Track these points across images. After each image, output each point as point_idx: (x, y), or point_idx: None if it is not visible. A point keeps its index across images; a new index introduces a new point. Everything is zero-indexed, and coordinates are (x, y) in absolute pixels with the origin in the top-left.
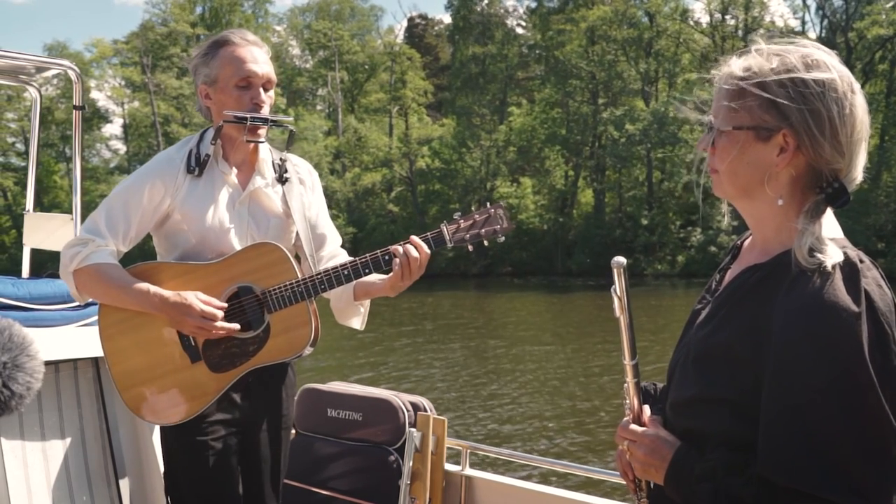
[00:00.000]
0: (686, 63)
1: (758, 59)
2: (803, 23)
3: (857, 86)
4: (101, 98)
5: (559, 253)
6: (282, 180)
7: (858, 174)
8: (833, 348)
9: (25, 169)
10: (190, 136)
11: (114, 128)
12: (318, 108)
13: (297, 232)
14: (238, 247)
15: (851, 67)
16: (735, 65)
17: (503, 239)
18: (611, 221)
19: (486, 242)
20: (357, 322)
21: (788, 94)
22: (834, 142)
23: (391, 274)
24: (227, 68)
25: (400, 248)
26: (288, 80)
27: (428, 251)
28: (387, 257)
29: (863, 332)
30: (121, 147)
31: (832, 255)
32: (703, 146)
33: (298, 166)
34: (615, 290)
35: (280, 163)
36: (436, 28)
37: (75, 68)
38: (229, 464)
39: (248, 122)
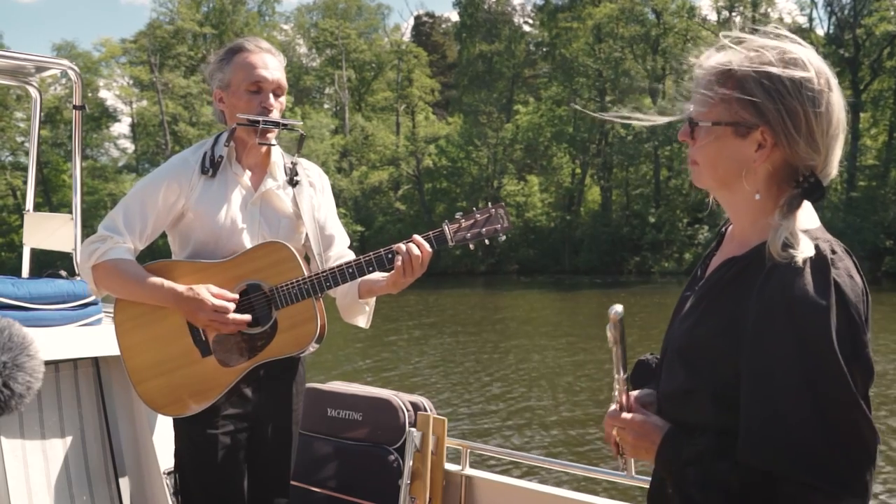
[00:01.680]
0: (693, 60)
1: (736, 54)
2: (811, 19)
3: (834, 82)
4: (109, 97)
5: (566, 251)
6: (292, 183)
7: (834, 169)
8: (804, 343)
9: (35, 168)
10: (205, 140)
11: (122, 127)
12: (325, 106)
13: (306, 233)
14: (249, 246)
15: (859, 64)
16: (714, 59)
17: (504, 238)
18: (618, 219)
19: (487, 241)
20: (362, 320)
21: (766, 93)
22: (810, 139)
23: (393, 271)
24: (240, 73)
25: (403, 247)
26: (295, 79)
27: (430, 250)
28: (390, 255)
29: (832, 325)
30: (129, 146)
31: (804, 250)
32: (684, 137)
33: (309, 170)
34: (610, 330)
35: (291, 166)
36: (443, 26)
37: (75, 68)
38: (237, 458)
39: (260, 126)
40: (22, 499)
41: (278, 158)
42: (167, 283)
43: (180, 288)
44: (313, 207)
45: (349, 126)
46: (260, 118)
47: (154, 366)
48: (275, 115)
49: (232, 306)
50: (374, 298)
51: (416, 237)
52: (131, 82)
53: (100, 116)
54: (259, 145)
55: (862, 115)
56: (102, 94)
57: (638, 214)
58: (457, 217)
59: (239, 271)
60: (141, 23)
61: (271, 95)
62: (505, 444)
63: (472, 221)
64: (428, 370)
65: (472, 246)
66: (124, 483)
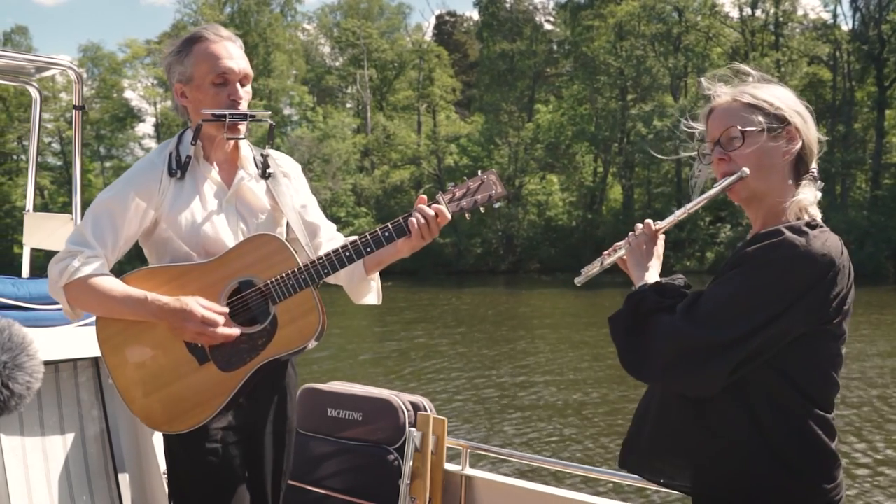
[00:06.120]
0: (715, 58)
1: (749, 87)
2: (835, 15)
3: None
4: (133, 98)
5: (588, 249)
6: (265, 175)
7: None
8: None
9: (62, 168)
10: (169, 140)
11: (146, 126)
12: (348, 105)
13: (287, 224)
14: (230, 246)
15: (885, 60)
16: (736, 91)
17: (499, 205)
18: (640, 217)
19: (482, 209)
20: (373, 298)
21: (784, 104)
22: (811, 133)
23: (410, 238)
24: (203, 65)
25: (414, 221)
26: (317, 79)
27: (446, 212)
28: (387, 234)
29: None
30: (153, 146)
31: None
32: (716, 157)
33: (279, 160)
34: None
35: (262, 158)
36: (465, 25)
37: (75, 68)
38: (234, 469)
39: (228, 120)
40: (22, 498)
41: (248, 152)
42: (150, 295)
43: (166, 299)
44: (291, 197)
45: (371, 125)
46: (227, 111)
47: (148, 382)
48: (243, 107)
49: (222, 319)
50: (377, 273)
51: (421, 206)
52: (155, 83)
53: (124, 117)
54: (227, 139)
55: (887, 111)
56: (127, 94)
57: (660, 213)
58: (450, 188)
59: (227, 270)
60: (160, 23)
61: (238, 86)
62: (510, 444)
63: (464, 190)
64: (435, 367)
65: (468, 216)
66: (124, 482)
